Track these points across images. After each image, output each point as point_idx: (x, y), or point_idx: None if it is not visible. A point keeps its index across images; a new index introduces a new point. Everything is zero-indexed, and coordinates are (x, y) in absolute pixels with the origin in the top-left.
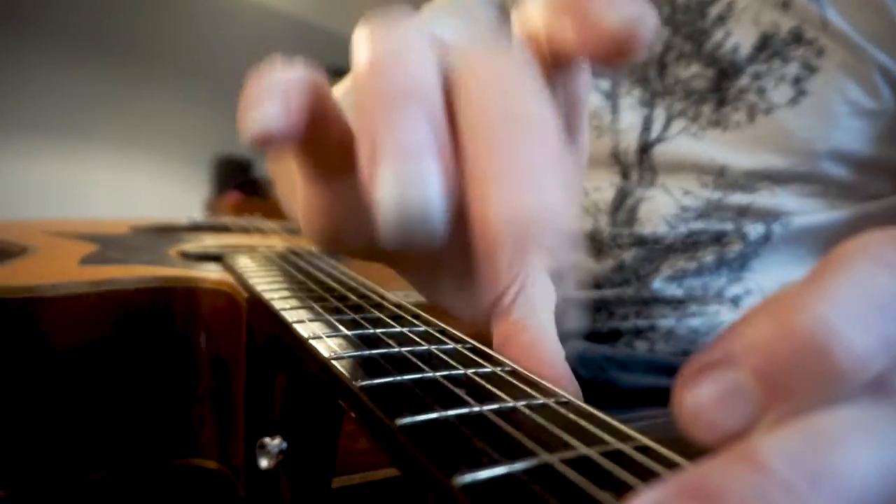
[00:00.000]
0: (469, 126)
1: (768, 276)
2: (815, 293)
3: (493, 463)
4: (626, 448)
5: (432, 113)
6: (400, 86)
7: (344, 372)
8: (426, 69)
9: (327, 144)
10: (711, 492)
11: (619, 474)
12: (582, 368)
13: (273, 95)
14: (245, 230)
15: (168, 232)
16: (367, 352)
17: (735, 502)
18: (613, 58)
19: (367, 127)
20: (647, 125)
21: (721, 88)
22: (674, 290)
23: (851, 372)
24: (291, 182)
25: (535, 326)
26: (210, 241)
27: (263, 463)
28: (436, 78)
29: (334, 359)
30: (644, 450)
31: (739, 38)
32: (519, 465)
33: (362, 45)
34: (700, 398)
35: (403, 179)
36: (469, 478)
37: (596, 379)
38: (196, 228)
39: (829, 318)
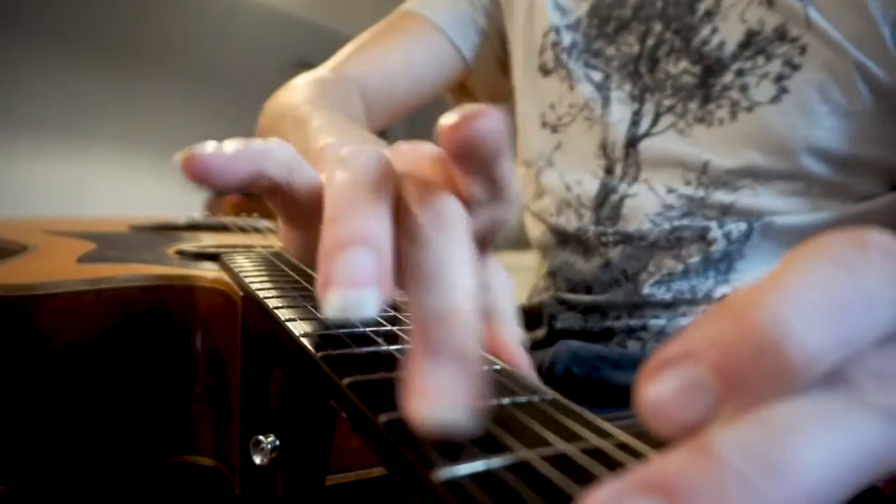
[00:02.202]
0: (409, 238)
1: (754, 278)
2: (772, 291)
3: (473, 458)
4: (605, 445)
5: (379, 251)
6: (355, 233)
7: (331, 369)
8: (379, 216)
9: (297, 200)
10: (668, 484)
11: (596, 470)
12: (575, 367)
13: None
14: (243, 230)
15: (167, 231)
16: (355, 349)
17: (691, 494)
18: (469, 159)
19: (325, 257)
20: (635, 120)
21: (706, 85)
22: (663, 294)
23: (804, 368)
24: None
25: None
26: (208, 241)
27: (257, 460)
28: (387, 219)
29: (322, 356)
30: (623, 447)
31: (726, 34)
32: (498, 461)
33: (331, 172)
34: (660, 392)
35: (345, 304)
36: (448, 472)
37: (590, 377)
38: (195, 228)
39: (783, 315)
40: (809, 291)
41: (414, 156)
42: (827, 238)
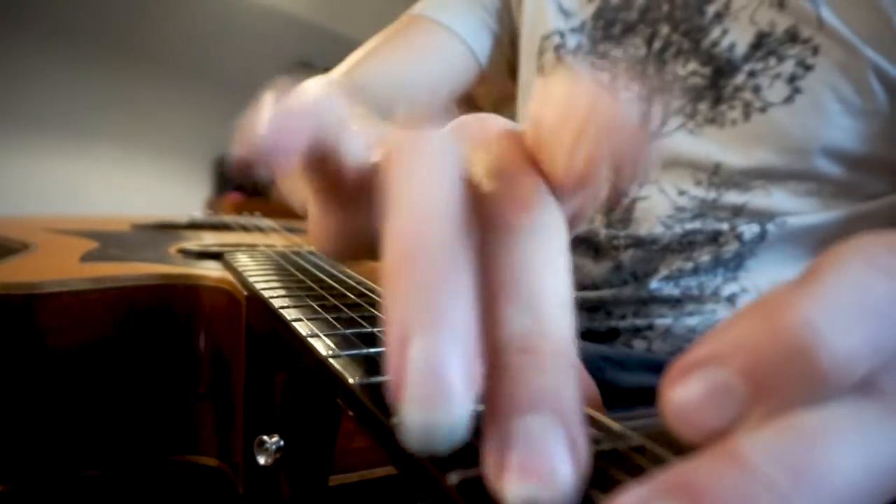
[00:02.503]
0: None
1: (764, 276)
2: (804, 294)
3: None
4: (620, 447)
5: (467, 340)
6: (432, 312)
7: (341, 370)
8: (459, 272)
9: (342, 174)
10: (695, 489)
11: (612, 473)
12: None
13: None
14: (245, 229)
15: (169, 230)
16: (364, 350)
17: (719, 499)
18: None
19: (395, 342)
20: (643, 121)
21: (717, 86)
22: (671, 290)
23: (835, 374)
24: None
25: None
26: (210, 240)
27: (261, 460)
28: (467, 283)
29: (332, 356)
30: (639, 449)
31: (736, 36)
32: None
33: (394, 189)
34: (686, 396)
35: (428, 418)
36: (463, 475)
37: (593, 378)
38: (196, 227)
39: (815, 319)
40: (843, 295)
41: (482, 133)
42: (860, 241)
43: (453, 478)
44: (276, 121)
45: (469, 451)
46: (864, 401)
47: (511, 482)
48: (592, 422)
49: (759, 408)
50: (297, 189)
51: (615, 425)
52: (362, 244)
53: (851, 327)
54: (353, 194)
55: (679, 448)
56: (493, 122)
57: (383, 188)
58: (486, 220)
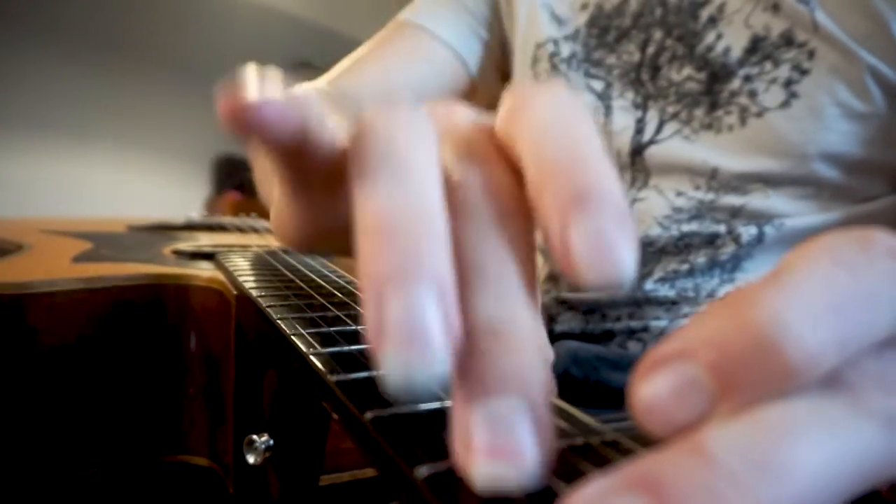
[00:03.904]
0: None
1: (760, 277)
2: (772, 290)
3: None
4: (593, 442)
5: (446, 288)
6: (410, 264)
7: (320, 366)
8: (436, 231)
9: (313, 164)
10: (657, 482)
11: (583, 467)
12: (575, 368)
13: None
14: (240, 229)
15: (164, 231)
16: (345, 347)
17: (681, 492)
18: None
19: (373, 295)
20: (639, 128)
21: (713, 91)
22: (666, 291)
23: (803, 368)
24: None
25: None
26: (205, 241)
27: (250, 459)
28: (444, 241)
29: (312, 354)
30: (611, 444)
31: (731, 40)
32: None
33: (370, 162)
34: (654, 391)
35: (409, 363)
36: (431, 469)
37: (588, 378)
38: (192, 227)
39: (783, 314)
40: (810, 291)
41: (450, 119)
42: (829, 238)
43: (422, 471)
44: (272, 105)
45: (438, 447)
46: (829, 395)
47: (478, 463)
48: (566, 417)
49: (727, 403)
50: (266, 175)
51: (589, 420)
52: (325, 233)
53: (818, 322)
54: (323, 183)
55: (653, 444)
56: (461, 111)
57: (357, 157)
58: (454, 206)
